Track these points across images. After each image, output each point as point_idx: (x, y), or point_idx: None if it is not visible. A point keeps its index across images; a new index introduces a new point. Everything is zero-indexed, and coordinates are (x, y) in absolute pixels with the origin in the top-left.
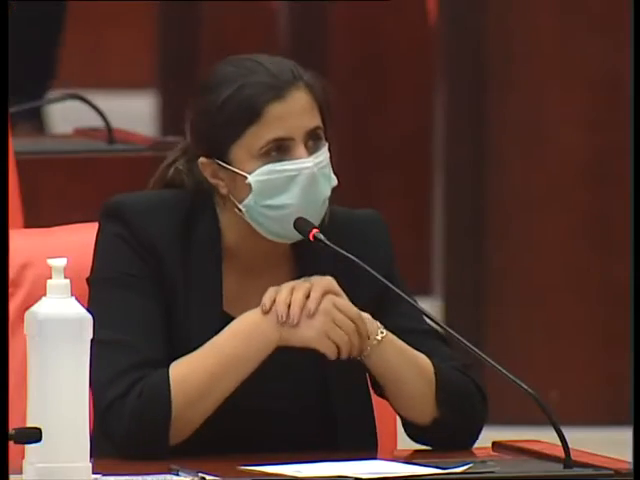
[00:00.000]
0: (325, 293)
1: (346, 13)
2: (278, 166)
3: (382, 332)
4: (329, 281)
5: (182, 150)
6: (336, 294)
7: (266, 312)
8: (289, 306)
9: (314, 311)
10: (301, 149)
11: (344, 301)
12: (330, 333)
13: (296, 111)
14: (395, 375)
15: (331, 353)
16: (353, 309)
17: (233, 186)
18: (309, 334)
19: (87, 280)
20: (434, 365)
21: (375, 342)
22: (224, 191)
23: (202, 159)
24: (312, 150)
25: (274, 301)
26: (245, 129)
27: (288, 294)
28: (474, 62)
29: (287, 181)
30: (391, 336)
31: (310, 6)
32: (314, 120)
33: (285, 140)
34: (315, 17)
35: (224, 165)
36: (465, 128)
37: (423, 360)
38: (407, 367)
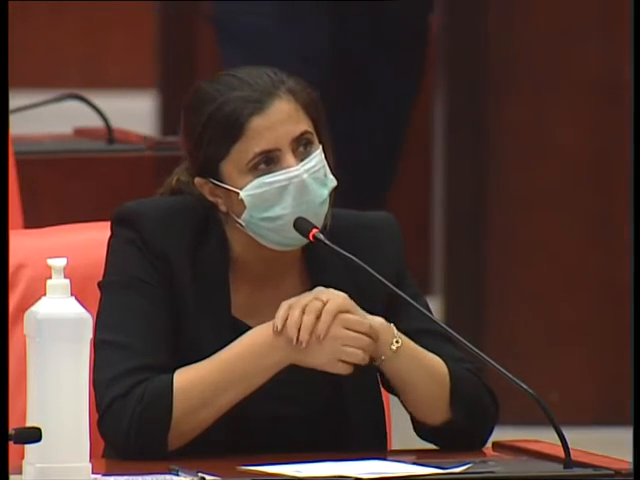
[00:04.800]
0: (337, 314)
1: None
2: (268, 178)
3: (397, 341)
4: (342, 299)
5: (185, 168)
6: (349, 312)
7: (278, 332)
8: (299, 329)
9: (324, 337)
10: (289, 158)
11: (354, 317)
12: (342, 356)
13: (279, 120)
14: (410, 381)
15: (345, 372)
16: (364, 324)
17: (230, 202)
18: (321, 360)
19: (98, 284)
20: (449, 368)
21: (391, 351)
22: (223, 208)
23: (197, 179)
24: (303, 156)
25: (286, 320)
26: (231, 146)
27: (299, 315)
28: (474, 63)
29: (279, 192)
30: (407, 343)
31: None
32: (300, 126)
33: (271, 151)
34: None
35: (217, 183)
36: (465, 129)
37: (438, 363)
38: (422, 373)
